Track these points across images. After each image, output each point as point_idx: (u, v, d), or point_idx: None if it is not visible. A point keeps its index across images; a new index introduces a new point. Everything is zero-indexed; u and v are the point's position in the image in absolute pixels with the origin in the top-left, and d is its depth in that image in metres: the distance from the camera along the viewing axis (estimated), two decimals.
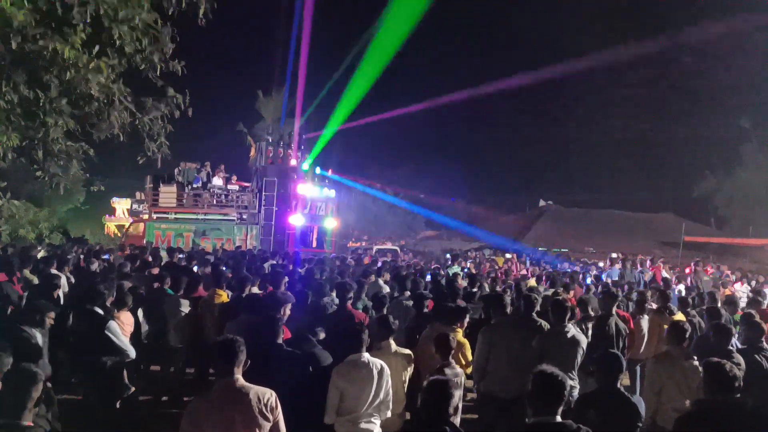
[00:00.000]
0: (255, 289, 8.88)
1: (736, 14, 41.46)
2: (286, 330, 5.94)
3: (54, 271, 9.79)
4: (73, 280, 10.33)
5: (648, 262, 21.52)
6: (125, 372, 7.49)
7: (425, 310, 7.81)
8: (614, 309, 7.89)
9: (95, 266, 11.99)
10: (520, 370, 6.10)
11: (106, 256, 14.79)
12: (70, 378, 7.60)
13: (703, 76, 45.84)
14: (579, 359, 6.32)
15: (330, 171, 30.11)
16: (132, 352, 6.91)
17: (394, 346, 5.68)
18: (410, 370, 5.69)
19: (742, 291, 15.73)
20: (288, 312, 6.55)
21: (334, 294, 8.24)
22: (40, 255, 13.18)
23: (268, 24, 75.35)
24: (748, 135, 43.97)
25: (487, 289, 11.29)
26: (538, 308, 7.00)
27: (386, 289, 10.32)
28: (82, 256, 14.32)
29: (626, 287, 13.95)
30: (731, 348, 6.28)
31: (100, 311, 6.91)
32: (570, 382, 6.11)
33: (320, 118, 33.87)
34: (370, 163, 45.93)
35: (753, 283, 17.40)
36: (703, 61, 44.89)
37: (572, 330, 6.46)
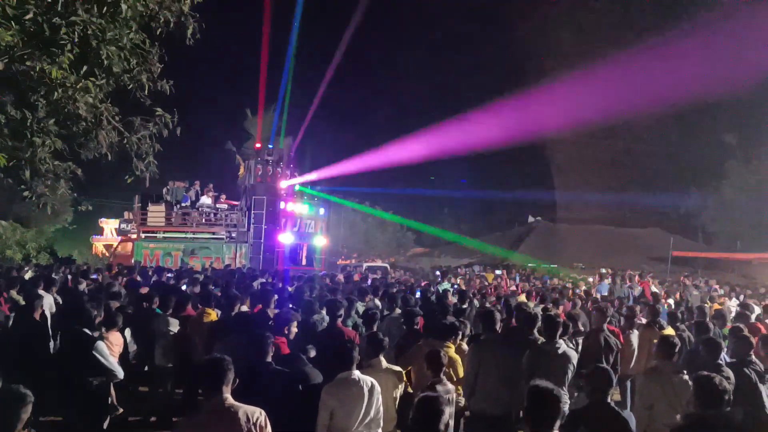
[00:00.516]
0: (244, 308, 8.84)
1: (718, 31, 42.03)
2: (285, 346, 5.93)
3: (41, 291, 9.71)
4: (60, 300, 10.25)
5: (637, 277, 21.59)
6: (113, 392, 7.42)
7: (416, 326, 7.80)
8: (605, 324, 7.90)
9: (83, 286, 11.91)
10: (509, 386, 6.10)
11: (94, 276, 14.70)
12: (57, 400, 7.52)
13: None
14: (570, 375, 6.31)
15: (318, 188, 30.13)
16: (120, 373, 6.85)
17: (384, 363, 5.66)
18: (401, 387, 5.67)
19: (730, 305, 15.80)
20: (294, 330, 6.56)
21: (324, 312, 8.21)
22: (27, 275, 13.07)
23: (257, 43, 75.52)
24: (732, 151, 44.40)
25: (477, 306, 11.29)
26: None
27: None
28: (69, 276, 14.22)
29: (616, 302, 13.97)
30: (720, 362, 6.30)
31: (88, 332, 6.85)
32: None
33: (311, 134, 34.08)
34: (360, 180, 45.97)
35: (741, 297, 17.49)
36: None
37: (563, 345, 6.46)
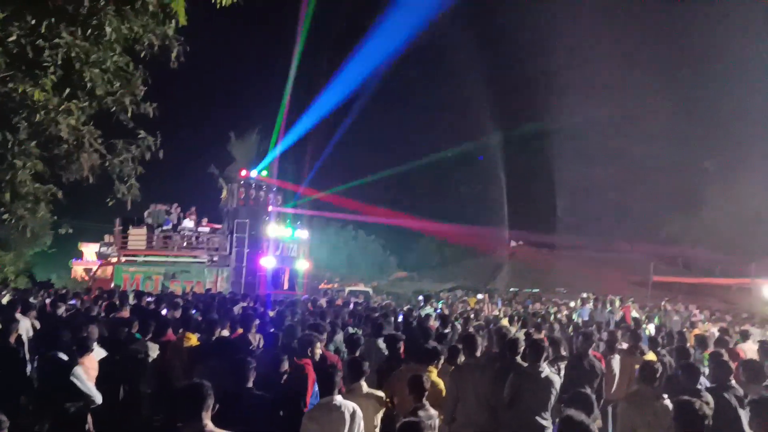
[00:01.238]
0: (225, 332, 8.77)
1: (702, 60, 42.88)
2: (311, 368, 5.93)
3: (18, 315, 9.57)
4: (38, 325, 10.10)
5: (618, 302, 21.65)
6: (90, 418, 7.29)
7: (398, 351, 7.77)
8: (590, 350, 7.93)
9: (61, 310, 11.75)
10: (488, 411, 6.08)
11: (72, 302, 14.51)
12: (33, 425, 7.38)
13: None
14: (552, 400, 6.31)
15: (299, 210, 30.09)
16: (98, 398, 6.75)
17: (365, 387, 5.64)
18: (382, 412, 5.64)
19: (711, 331, 15.90)
20: (319, 351, 6.60)
21: None
22: (4, 300, 12.89)
23: (242, 66, 75.84)
24: (712, 178, 44.96)
25: (460, 330, 11.27)
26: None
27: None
28: (48, 300, 14.03)
29: (594, 327, 13.98)
30: (700, 387, 6.33)
31: (64, 356, 6.76)
32: (543, 422, 6.13)
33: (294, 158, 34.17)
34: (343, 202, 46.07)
35: (721, 323, 17.60)
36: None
37: (546, 370, 6.46)
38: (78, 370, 6.60)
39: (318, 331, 7.54)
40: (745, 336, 11.58)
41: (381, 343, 8.63)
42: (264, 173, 27.44)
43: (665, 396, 5.74)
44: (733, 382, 6.50)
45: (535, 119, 54.82)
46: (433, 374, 6.51)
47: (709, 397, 5.75)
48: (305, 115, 37.07)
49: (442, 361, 7.03)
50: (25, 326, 8.82)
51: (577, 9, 47.72)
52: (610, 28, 47.02)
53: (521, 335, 9.31)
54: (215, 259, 24.91)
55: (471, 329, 10.49)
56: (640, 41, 49.04)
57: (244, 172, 26.55)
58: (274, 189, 27.89)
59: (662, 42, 48.64)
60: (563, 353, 8.22)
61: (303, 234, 28.26)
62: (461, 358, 6.89)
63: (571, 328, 14.29)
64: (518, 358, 6.74)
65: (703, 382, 6.91)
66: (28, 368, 7.72)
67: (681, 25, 46.63)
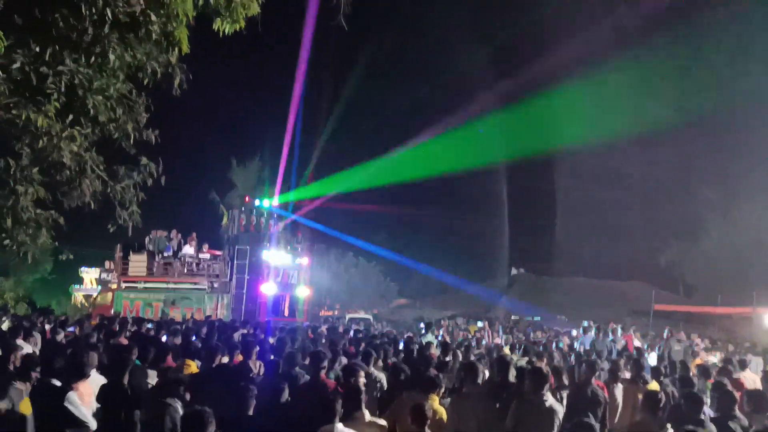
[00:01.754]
0: (225, 359, 8.72)
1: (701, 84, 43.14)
2: None
3: (20, 341, 9.53)
4: (37, 351, 10.05)
5: (619, 330, 21.56)
6: None
7: (401, 379, 7.72)
8: (593, 378, 7.88)
9: (60, 337, 11.71)
10: None
11: (71, 329, 14.45)
12: None
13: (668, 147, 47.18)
14: (556, 429, 6.24)
15: (299, 234, 30.04)
16: (93, 424, 6.70)
17: (368, 416, 5.59)
18: None
19: (712, 360, 15.80)
20: (363, 380, 6.57)
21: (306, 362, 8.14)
22: (4, 326, 12.83)
23: (243, 94, 76.34)
24: (712, 205, 45.00)
25: (461, 358, 11.20)
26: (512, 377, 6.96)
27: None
28: (48, 327, 13.98)
29: (594, 355, 13.89)
30: (703, 417, 6.27)
31: (58, 383, 6.73)
32: None
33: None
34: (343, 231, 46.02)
35: (721, 353, 17.52)
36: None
37: (550, 399, 6.40)
38: (72, 395, 6.56)
39: (319, 359, 7.48)
40: (743, 365, 11.50)
41: (378, 372, 8.63)
42: (267, 202, 27.56)
43: (668, 425, 5.69)
44: (738, 412, 6.44)
45: (537, 146, 54.97)
46: (435, 402, 6.45)
47: (712, 427, 5.70)
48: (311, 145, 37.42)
49: (443, 389, 6.98)
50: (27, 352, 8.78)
51: (580, 36, 47.99)
52: (611, 51, 47.28)
53: (523, 363, 9.26)
54: (216, 285, 24.85)
55: (472, 357, 10.44)
56: (645, 64, 49.29)
57: (254, 201, 26.73)
58: (275, 216, 27.90)
59: (668, 65, 48.92)
60: (565, 382, 8.15)
61: (304, 260, 28.22)
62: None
63: (572, 357, 14.19)
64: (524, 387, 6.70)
65: (706, 411, 6.86)
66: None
67: (687, 49, 46.95)
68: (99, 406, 6.86)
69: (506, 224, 60.46)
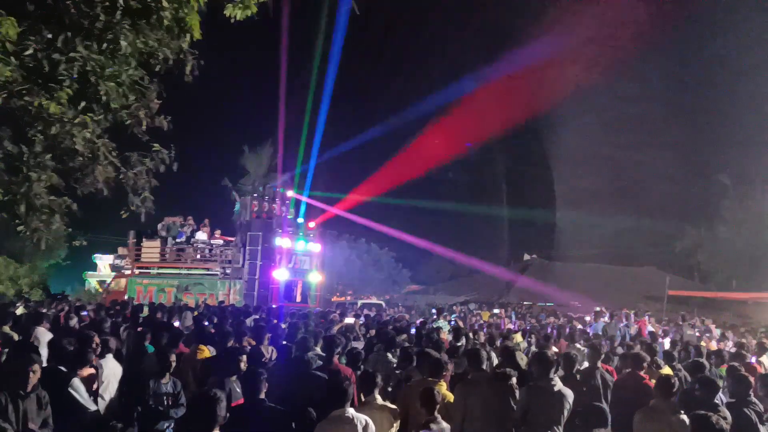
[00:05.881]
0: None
1: (715, 70, 42.71)
2: None
3: (40, 328, 9.63)
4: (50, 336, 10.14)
5: (633, 316, 21.48)
6: None
7: (411, 365, 7.74)
8: (599, 362, 7.85)
9: (74, 322, 11.79)
10: (496, 426, 6.01)
11: (84, 312, 14.57)
12: None
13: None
14: (566, 413, 6.24)
15: (314, 222, 30.07)
16: (93, 407, 6.78)
17: (380, 400, 5.61)
18: (396, 425, 5.60)
19: (728, 345, 15.73)
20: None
21: (318, 348, 8.17)
22: (18, 311, 12.95)
23: (255, 80, 76.32)
24: (727, 191, 44.70)
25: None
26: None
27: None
28: (61, 313, 14.10)
29: (606, 341, 13.85)
30: (717, 401, 6.25)
31: (63, 368, 6.80)
32: None
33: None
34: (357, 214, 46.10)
35: (736, 337, 17.42)
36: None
37: (558, 383, 6.39)
38: (76, 381, 6.64)
39: (333, 344, 7.52)
40: (762, 349, 11.44)
41: (385, 354, 8.68)
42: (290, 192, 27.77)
43: (682, 410, 5.68)
44: (753, 397, 6.42)
45: (544, 128, 54.63)
46: (443, 387, 6.47)
47: (726, 412, 5.67)
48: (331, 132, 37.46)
49: (450, 372, 7.00)
50: (46, 338, 8.90)
51: (587, 24, 47.57)
52: (620, 39, 46.90)
53: (533, 349, 9.26)
54: (228, 271, 24.96)
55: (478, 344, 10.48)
56: (654, 51, 48.89)
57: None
58: (288, 201, 27.93)
59: (676, 52, 48.51)
60: (578, 367, 8.14)
61: (316, 247, 28.27)
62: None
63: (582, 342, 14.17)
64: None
65: (721, 396, 6.83)
66: None
67: (696, 35, 46.51)
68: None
69: (517, 211, 60.26)
